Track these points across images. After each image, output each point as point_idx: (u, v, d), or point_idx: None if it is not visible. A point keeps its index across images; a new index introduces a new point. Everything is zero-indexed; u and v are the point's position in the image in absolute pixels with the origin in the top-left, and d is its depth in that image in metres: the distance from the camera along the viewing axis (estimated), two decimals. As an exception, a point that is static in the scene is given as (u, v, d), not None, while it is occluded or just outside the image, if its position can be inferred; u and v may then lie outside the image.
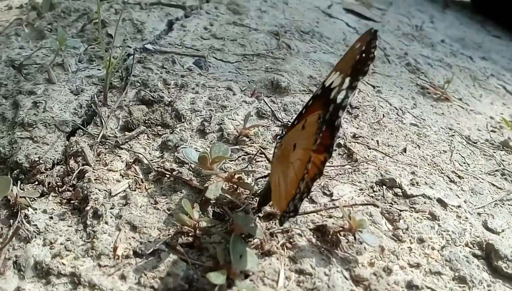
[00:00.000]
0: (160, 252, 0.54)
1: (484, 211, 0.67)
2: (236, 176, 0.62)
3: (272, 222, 0.58)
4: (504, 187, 0.73)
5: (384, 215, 0.60)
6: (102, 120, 0.74)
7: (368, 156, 0.70)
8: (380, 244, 0.55)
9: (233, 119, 0.75)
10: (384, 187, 0.65)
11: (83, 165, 0.66)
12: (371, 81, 0.97)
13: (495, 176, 0.76)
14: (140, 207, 0.60)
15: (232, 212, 0.58)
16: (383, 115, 0.82)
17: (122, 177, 0.65)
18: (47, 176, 0.66)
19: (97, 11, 1.01)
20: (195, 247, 0.55)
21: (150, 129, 0.74)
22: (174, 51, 0.92)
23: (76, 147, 0.69)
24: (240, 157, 0.69)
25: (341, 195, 0.62)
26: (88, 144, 0.70)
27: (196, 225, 0.55)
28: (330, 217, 0.58)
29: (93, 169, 0.65)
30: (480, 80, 1.24)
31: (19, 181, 0.65)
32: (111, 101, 0.79)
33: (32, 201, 0.62)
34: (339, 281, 0.51)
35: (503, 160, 0.81)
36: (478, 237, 0.61)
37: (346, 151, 0.71)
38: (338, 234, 0.55)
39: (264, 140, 0.72)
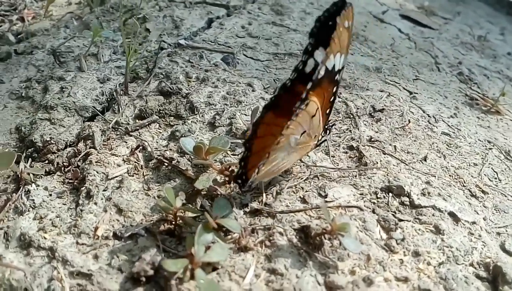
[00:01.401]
0: (138, 236, 0.54)
1: (506, 231, 0.60)
2: (230, 169, 0.61)
3: (258, 218, 0.55)
4: (537, 207, 0.65)
5: (380, 222, 0.55)
6: (120, 108, 0.76)
7: (380, 161, 0.66)
8: (367, 253, 0.51)
9: (245, 115, 0.73)
10: (390, 194, 0.60)
11: (90, 147, 0.68)
12: (410, 87, 0.91)
13: (529, 195, 0.68)
14: (132, 192, 0.60)
15: (220, 205, 0.57)
16: (409, 121, 0.76)
17: (124, 162, 0.66)
18: (57, 156, 0.68)
19: (142, 8, 1.05)
20: (176, 236, 0.54)
21: (163, 120, 0.74)
22: (205, 47, 0.92)
23: (89, 130, 0.70)
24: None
25: (336, 197, 0.58)
26: (100, 129, 0.71)
27: (177, 213, 0.53)
28: (319, 218, 0.55)
29: (98, 152, 0.66)
30: (545, 96, 1.12)
31: (30, 159, 0.68)
32: (133, 91, 0.80)
33: (38, 178, 0.65)
34: (309, 285, 0.47)
35: (544, 180, 0.72)
36: (489, 258, 0.54)
37: (357, 154, 0.67)
38: (322, 237, 0.51)
39: (273, 138, 0.69)
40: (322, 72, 0.50)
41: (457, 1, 1.81)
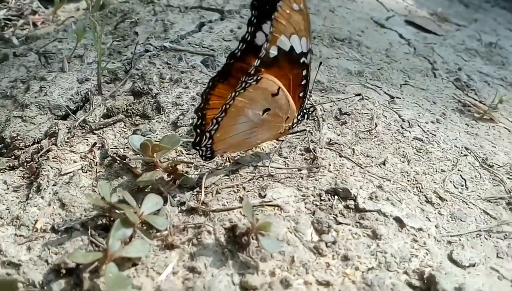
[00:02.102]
0: (73, 230, 0.55)
1: (459, 240, 0.57)
2: (176, 166, 0.61)
3: (192, 216, 0.55)
4: (500, 217, 0.62)
5: (314, 224, 0.54)
6: (91, 107, 0.77)
7: (334, 163, 0.64)
8: (292, 254, 0.50)
9: (208, 115, 0.73)
10: (336, 197, 0.59)
11: (52, 144, 0.69)
12: (392, 91, 0.89)
13: (496, 204, 0.64)
14: (80, 188, 0.61)
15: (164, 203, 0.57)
16: (376, 125, 0.74)
17: (81, 158, 0.67)
18: (24, 152, 0.71)
19: (137, 12, 1.07)
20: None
21: (129, 119, 0.75)
22: (187, 49, 0.93)
23: (55, 128, 0.72)
24: (198, 151, 0.66)
25: (275, 198, 0.57)
26: (67, 127, 0.73)
27: (112, 209, 0.54)
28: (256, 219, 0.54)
29: (58, 149, 0.68)
30: (552, 105, 1.07)
31: (-2, 155, 0.71)
32: (107, 91, 0.82)
33: (2, 172, 0.67)
34: (221, 284, 0.46)
35: (518, 188, 0.68)
36: (429, 266, 0.52)
37: (312, 156, 0.65)
38: (249, 237, 0.50)
39: (232, 138, 0.69)
40: (273, 52, 0.52)
41: (476, 8, 1.75)
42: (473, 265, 0.53)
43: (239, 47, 0.58)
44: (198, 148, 0.58)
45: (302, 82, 0.57)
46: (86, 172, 0.65)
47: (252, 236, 0.50)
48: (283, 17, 0.52)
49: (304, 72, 0.56)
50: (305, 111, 0.61)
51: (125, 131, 0.73)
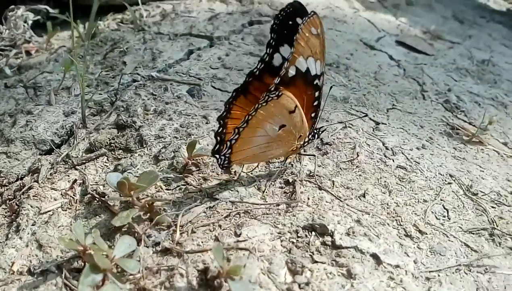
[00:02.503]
0: (49, 273, 0.55)
1: (438, 275, 0.56)
2: (153, 204, 0.61)
3: (166, 257, 0.55)
4: (482, 250, 0.61)
5: (288, 264, 0.53)
6: (75, 141, 0.78)
7: (313, 197, 0.64)
8: (264, 297, 0.49)
9: (190, 148, 0.73)
10: (313, 233, 0.58)
11: (34, 181, 0.70)
12: (378, 117, 0.88)
13: (479, 236, 0.64)
14: (58, 227, 0.62)
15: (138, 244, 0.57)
16: (357, 155, 0.73)
17: (62, 196, 0.67)
18: (7, 189, 0.71)
19: (128, 40, 1.08)
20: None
21: (112, 153, 0.75)
22: (174, 79, 0.93)
23: (38, 164, 0.73)
24: (178, 186, 0.67)
25: (250, 236, 0.56)
26: (50, 163, 0.73)
27: (86, 251, 0.54)
28: (226, 259, 0.54)
29: (39, 186, 0.68)
30: (544, 124, 1.06)
31: (-18, 192, 0.71)
32: (92, 124, 0.82)
33: (-15, 211, 0.67)
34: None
35: (501, 218, 0.67)
36: (405, 306, 0.51)
37: (291, 189, 0.65)
38: (221, 279, 0.50)
39: (213, 171, 0.69)
40: (292, 72, 0.57)
41: (471, 24, 1.75)
42: (451, 303, 0.53)
43: (258, 67, 0.62)
44: (217, 156, 0.61)
45: (314, 103, 0.61)
46: (66, 210, 0.65)
47: (224, 279, 0.50)
48: (303, 39, 0.56)
49: (317, 94, 0.60)
50: (315, 131, 0.64)
51: (107, 166, 0.73)
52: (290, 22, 0.60)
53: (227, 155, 0.61)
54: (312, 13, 0.55)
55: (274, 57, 0.62)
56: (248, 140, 0.60)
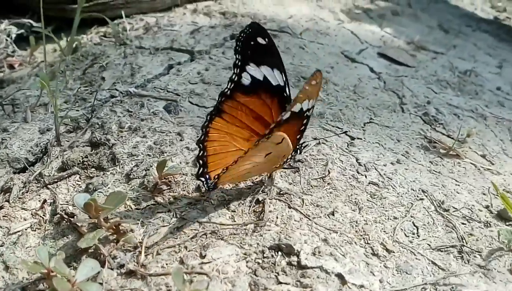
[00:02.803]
0: (13, 296, 0.54)
1: (403, 295, 0.56)
2: (120, 226, 0.61)
3: (130, 280, 0.55)
4: (449, 268, 0.61)
5: (251, 286, 0.53)
6: (49, 159, 0.78)
7: (282, 216, 0.64)
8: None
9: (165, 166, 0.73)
10: (279, 253, 0.58)
11: (5, 201, 0.70)
12: (354, 132, 0.89)
13: (447, 253, 0.64)
14: (26, 248, 0.61)
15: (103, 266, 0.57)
16: (328, 172, 0.74)
17: (32, 216, 0.67)
18: (-21, 209, 0.71)
19: (108, 55, 1.08)
20: (49, 296, 0.54)
21: (85, 171, 0.75)
22: (151, 95, 0.94)
23: (10, 183, 0.73)
24: (148, 206, 0.67)
25: (214, 258, 0.56)
26: (22, 182, 0.73)
27: (50, 274, 0.54)
28: (190, 281, 0.54)
29: (10, 206, 0.68)
30: (523, 135, 1.06)
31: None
32: (67, 141, 0.82)
33: (-45, 231, 0.67)
34: None
35: (471, 234, 0.68)
36: (368, 326, 0.51)
37: (261, 208, 0.65)
38: (182, 302, 0.50)
39: (184, 190, 0.69)
40: (287, 116, 0.58)
41: (456, 34, 1.76)
42: (415, 323, 0.53)
43: (229, 87, 0.66)
44: (202, 179, 0.63)
45: (302, 128, 0.63)
46: (35, 230, 0.65)
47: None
48: (304, 93, 0.57)
49: (305, 121, 0.62)
50: (298, 147, 0.66)
51: (79, 185, 0.73)
52: (252, 42, 0.64)
53: (215, 179, 0.62)
54: (317, 70, 0.57)
55: (242, 76, 0.66)
56: (236, 169, 0.62)
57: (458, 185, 0.82)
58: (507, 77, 1.45)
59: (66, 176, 0.74)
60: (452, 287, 0.58)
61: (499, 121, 1.09)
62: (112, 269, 0.56)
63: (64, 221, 0.65)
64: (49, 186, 0.72)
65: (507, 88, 1.34)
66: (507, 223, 0.74)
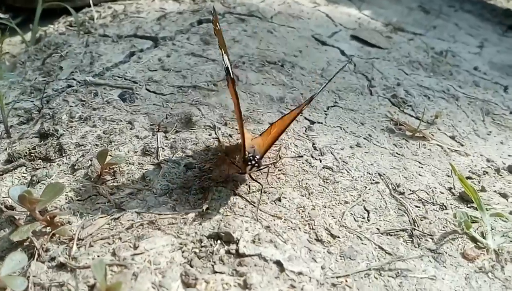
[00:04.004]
0: None
1: (345, 281, 0.54)
2: (55, 218, 0.59)
3: (60, 273, 0.53)
4: (397, 252, 0.59)
5: (182, 277, 0.51)
6: (-3, 152, 0.76)
7: (225, 203, 0.62)
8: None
9: (109, 155, 0.71)
10: (218, 241, 0.56)
11: None
12: (314, 116, 0.86)
13: (396, 237, 0.62)
14: (-40, 243, 0.59)
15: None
16: (279, 157, 0.71)
17: (-28, 210, 0.65)
18: None
19: (70, 44, 1.06)
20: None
21: (32, 163, 0.73)
22: (107, 83, 0.91)
23: (-47, 177, 0.70)
24: (90, 197, 0.65)
25: (147, 248, 0.54)
26: (-34, 176, 0.71)
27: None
28: (120, 272, 0.52)
29: (-50, 201, 0.66)
30: (496, 115, 1.04)
31: None
32: (17, 133, 0.80)
33: None
34: None
35: (424, 217, 0.65)
36: (303, 315, 0.49)
37: (204, 197, 0.63)
38: (107, 295, 0.48)
39: (128, 180, 0.67)
40: None
41: (438, 14, 1.73)
42: (354, 310, 0.51)
43: None
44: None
45: None
46: (-27, 225, 0.63)
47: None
48: None
49: None
50: None
51: (24, 177, 0.71)
52: None
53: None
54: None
55: None
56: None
57: (421, 167, 0.80)
58: (486, 57, 1.42)
59: (12, 168, 0.72)
60: (398, 272, 0.56)
61: (471, 102, 1.07)
62: (43, 262, 0.54)
63: (3, 215, 0.63)
64: (-7, 179, 0.70)
65: (485, 68, 1.31)
66: (469, 205, 0.71)
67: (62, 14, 1.38)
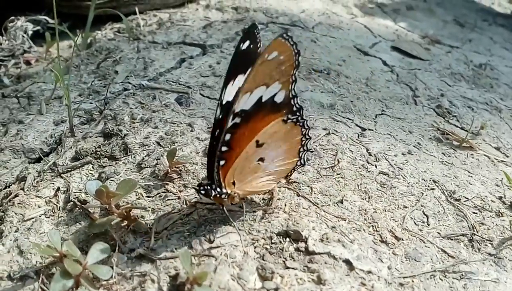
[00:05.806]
0: (27, 278, 0.56)
1: (412, 281, 0.56)
2: (132, 213, 0.62)
3: (140, 263, 0.56)
4: (459, 256, 0.61)
5: (258, 270, 0.54)
6: (63, 149, 0.79)
7: (290, 203, 0.64)
8: (232, 303, 0.50)
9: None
10: (287, 239, 0.59)
11: (20, 189, 0.71)
12: (365, 123, 0.88)
13: (457, 241, 0.63)
14: (40, 234, 0.63)
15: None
16: (338, 161, 0.74)
17: (46, 203, 0.68)
18: (-6, 197, 0.72)
19: (122, 50, 1.10)
20: (62, 279, 0.55)
21: (98, 161, 0.76)
22: (163, 87, 0.95)
23: (25, 172, 0.74)
24: (158, 193, 0.68)
25: (223, 243, 0.57)
26: (37, 171, 0.75)
27: (62, 257, 0.55)
28: (199, 264, 0.54)
29: (24, 194, 0.70)
30: (540, 127, 1.05)
31: (-30, 200, 0.72)
32: (80, 133, 0.84)
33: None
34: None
35: (482, 223, 0.67)
36: (375, 311, 0.51)
37: (269, 196, 0.66)
38: (191, 285, 0.51)
39: (194, 179, 0.70)
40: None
41: (472, 28, 1.74)
42: (423, 309, 0.52)
43: None
44: None
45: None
46: (49, 217, 0.66)
47: (191, 285, 0.50)
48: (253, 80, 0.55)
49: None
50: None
51: (92, 174, 0.74)
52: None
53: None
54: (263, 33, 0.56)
55: None
56: None
57: (471, 176, 0.81)
58: (523, 71, 1.43)
59: (79, 165, 0.75)
60: (462, 275, 0.58)
61: (514, 114, 1.08)
62: (122, 253, 0.57)
63: (77, 208, 0.66)
64: (62, 175, 0.74)
65: (523, 81, 1.32)
66: (520, 214, 0.73)
67: (108, 21, 1.43)
